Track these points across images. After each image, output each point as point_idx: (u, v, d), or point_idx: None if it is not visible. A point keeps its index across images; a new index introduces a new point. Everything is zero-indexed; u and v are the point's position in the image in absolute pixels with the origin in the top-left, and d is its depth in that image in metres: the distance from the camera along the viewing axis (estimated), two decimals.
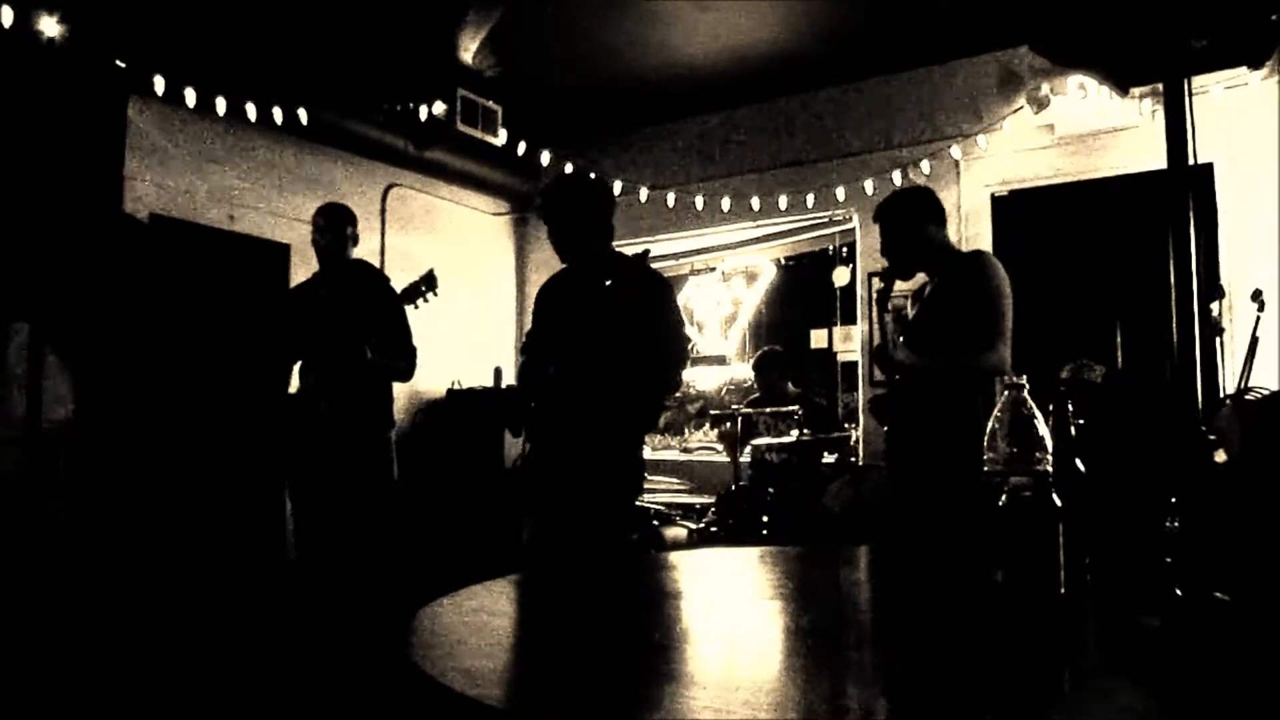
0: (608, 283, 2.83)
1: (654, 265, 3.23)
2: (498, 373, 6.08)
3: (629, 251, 3.06)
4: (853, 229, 5.61)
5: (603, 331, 2.77)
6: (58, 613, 3.60)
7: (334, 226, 3.66)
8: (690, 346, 2.95)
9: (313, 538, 3.60)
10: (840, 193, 5.43)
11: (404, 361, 3.61)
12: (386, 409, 3.62)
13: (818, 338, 6.02)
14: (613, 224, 2.98)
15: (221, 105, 4.56)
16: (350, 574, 3.49)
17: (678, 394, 3.04)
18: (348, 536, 3.49)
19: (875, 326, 4.47)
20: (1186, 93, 2.19)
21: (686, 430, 6.76)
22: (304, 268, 5.36)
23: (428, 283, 3.55)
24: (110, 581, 3.89)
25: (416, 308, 3.57)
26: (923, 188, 3.27)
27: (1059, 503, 1.11)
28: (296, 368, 3.58)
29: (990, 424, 1.17)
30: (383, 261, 5.58)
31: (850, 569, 2.00)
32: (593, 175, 3.05)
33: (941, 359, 2.79)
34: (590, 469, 2.75)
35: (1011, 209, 5.07)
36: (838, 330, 5.81)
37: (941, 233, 2.94)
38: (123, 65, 4.10)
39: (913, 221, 2.90)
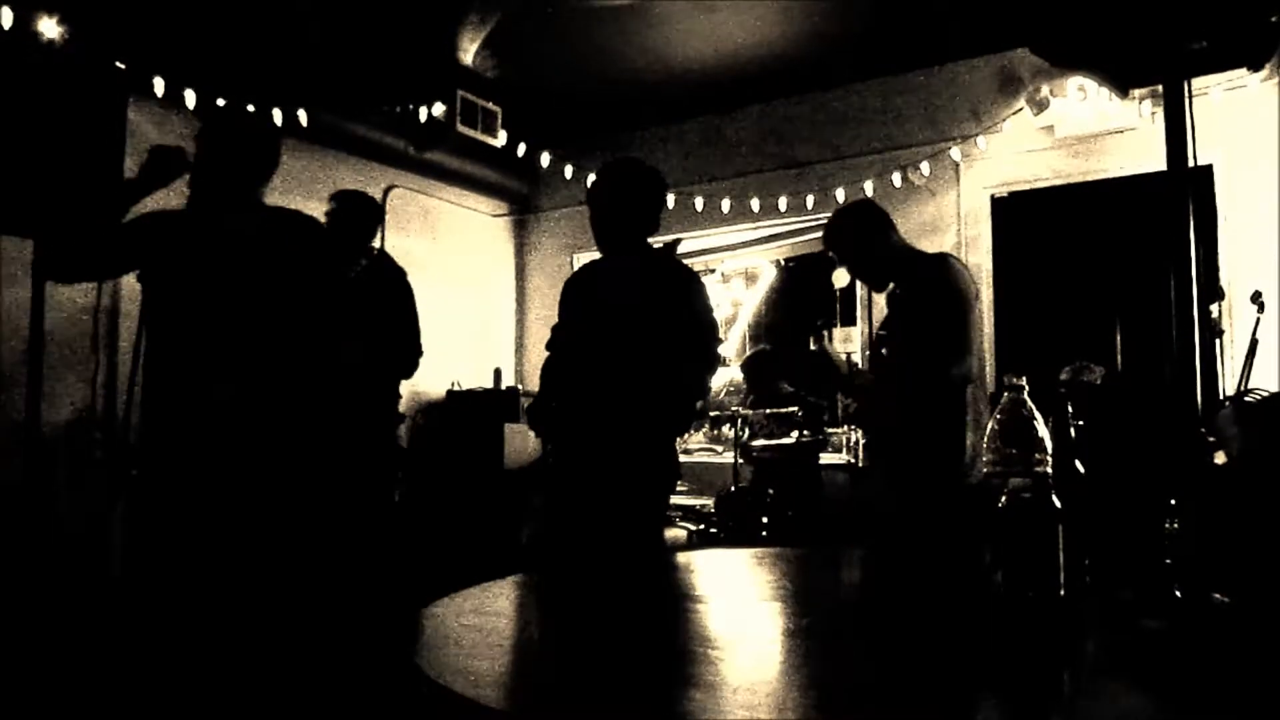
0: (637, 278, 2.78)
1: None
2: (497, 374, 6.08)
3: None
4: None
5: (630, 329, 2.73)
6: (56, 613, 3.59)
7: (338, 215, 3.53)
8: (720, 347, 2.88)
9: (301, 535, 3.50)
10: (840, 194, 5.42)
11: (402, 356, 3.47)
12: (385, 407, 3.49)
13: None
14: (657, 220, 2.90)
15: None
16: (335, 575, 3.40)
17: (708, 396, 2.95)
18: (331, 531, 3.37)
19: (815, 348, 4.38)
20: (1186, 94, 2.20)
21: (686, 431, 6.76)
22: None
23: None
24: (108, 583, 3.88)
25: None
26: (862, 200, 3.06)
27: (1059, 504, 1.11)
28: None
29: (990, 425, 1.18)
30: None
31: (850, 570, 2.01)
32: (646, 166, 2.96)
33: (905, 378, 2.71)
34: (616, 468, 2.71)
35: (1011, 211, 5.07)
36: (837, 331, 5.81)
37: (895, 239, 2.84)
38: (122, 67, 4.09)
39: (860, 239, 2.83)
